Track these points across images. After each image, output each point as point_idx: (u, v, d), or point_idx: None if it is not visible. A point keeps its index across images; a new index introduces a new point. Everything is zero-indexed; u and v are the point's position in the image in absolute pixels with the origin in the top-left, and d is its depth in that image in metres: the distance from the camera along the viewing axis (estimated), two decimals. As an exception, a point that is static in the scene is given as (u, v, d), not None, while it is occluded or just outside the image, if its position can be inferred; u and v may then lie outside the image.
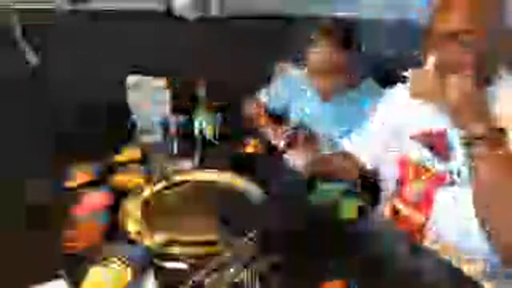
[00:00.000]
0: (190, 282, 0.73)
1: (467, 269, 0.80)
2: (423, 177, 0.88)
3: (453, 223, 0.79)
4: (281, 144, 1.00)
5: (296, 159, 1.00)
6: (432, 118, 0.88)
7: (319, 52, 1.23)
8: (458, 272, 0.78)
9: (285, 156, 1.01)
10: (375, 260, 0.80)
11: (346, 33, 1.25)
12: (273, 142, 1.08)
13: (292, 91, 1.52)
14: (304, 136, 0.98)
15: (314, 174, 1.04)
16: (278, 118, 1.33)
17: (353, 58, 1.26)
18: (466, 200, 0.77)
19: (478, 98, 0.69)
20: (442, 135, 0.86)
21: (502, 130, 0.69)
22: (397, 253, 0.86)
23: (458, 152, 0.81)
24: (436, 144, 0.86)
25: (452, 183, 0.81)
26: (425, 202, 0.87)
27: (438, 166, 0.85)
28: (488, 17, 0.70)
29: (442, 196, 0.84)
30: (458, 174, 0.80)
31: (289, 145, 0.99)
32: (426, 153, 0.88)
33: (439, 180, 0.84)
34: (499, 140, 0.67)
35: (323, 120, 1.37)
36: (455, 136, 0.82)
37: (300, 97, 1.48)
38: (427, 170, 0.87)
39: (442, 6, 0.74)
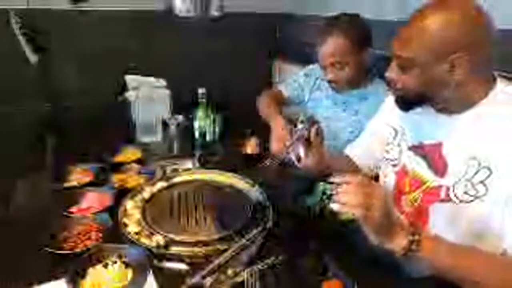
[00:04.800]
0: (190, 282, 0.73)
1: None
2: (419, 190, 0.87)
3: (450, 237, 0.78)
4: (296, 147, 0.96)
5: (305, 158, 0.98)
6: (431, 129, 0.86)
7: (330, 45, 1.24)
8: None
9: (293, 155, 0.98)
10: (374, 259, 0.80)
11: (359, 30, 1.26)
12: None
13: (311, 82, 1.54)
14: (315, 131, 0.95)
15: (316, 173, 1.03)
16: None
17: (365, 55, 1.27)
18: (462, 218, 0.77)
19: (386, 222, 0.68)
20: (437, 148, 0.84)
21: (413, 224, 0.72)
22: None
23: (452, 167, 0.80)
24: (432, 157, 0.85)
25: (448, 200, 0.80)
26: (420, 216, 0.86)
27: (434, 180, 0.83)
28: (419, 50, 0.76)
29: (437, 212, 0.83)
30: (454, 191, 0.79)
31: (300, 142, 0.96)
32: (424, 165, 0.87)
33: (434, 195, 0.83)
34: (419, 236, 0.68)
35: (332, 111, 1.39)
36: (450, 151, 0.81)
37: (317, 88, 1.50)
38: (424, 182, 0.86)
39: (398, 32, 0.81)
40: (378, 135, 1.06)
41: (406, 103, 0.86)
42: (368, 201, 0.65)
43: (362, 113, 1.31)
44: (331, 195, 0.69)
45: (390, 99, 1.06)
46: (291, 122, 1.10)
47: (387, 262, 0.77)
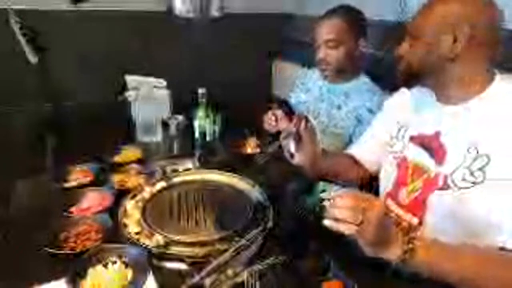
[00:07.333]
0: (190, 282, 0.73)
1: None
2: (420, 179, 0.88)
3: (449, 228, 0.79)
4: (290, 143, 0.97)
5: (296, 154, 0.97)
6: (432, 119, 0.89)
7: (327, 24, 1.29)
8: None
9: (286, 152, 0.99)
10: (374, 259, 0.80)
11: (356, 17, 1.30)
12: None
13: (300, 79, 1.58)
14: (305, 125, 0.95)
15: (316, 172, 1.03)
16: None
17: (358, 43, 1.30)
18: (462, 208, 0.78)
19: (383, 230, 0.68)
20: (437, 137, 0.86)
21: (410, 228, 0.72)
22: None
23: (451, 155, 0.82)
24: (433, 146, 0.87)
25: (447, 187, 0.81)
26: (419, 208, 0.87)
27: (434, 169, 0.85)
28: (427, 31, 0.81)
29: (436, 203, 0.84)
30: (452, 178, 0.80)
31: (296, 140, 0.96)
32: (425, 155, 0.88)
33: (433, 184, 0.84)
34: (413, 245, 0.68)
35: (320, 99, 1.43)
36: (449, 139, 0.83)
37: (307, 79, 1.54)
38: (425, 171, 0.87)
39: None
40: (380, 134, 1.07)
41: (408, 77, 0.89)
42: (362, 216, 0.64)
43: (343, 109, 1.35)
44: (323, 200, 0.69)
45: (394, 96, 1.07)
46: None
47: (387, 262, 0.77)
